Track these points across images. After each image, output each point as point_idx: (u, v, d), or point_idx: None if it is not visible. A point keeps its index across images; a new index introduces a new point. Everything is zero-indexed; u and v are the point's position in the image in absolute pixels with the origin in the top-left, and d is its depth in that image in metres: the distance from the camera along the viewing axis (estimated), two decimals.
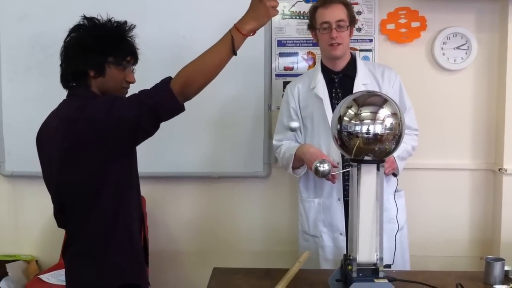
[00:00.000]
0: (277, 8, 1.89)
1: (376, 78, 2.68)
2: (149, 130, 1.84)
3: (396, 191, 2.56)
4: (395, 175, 2.58)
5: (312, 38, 2.77)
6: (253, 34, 1.89)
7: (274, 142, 2.83)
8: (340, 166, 2.57)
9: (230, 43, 1.83)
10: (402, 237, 2.59)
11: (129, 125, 1.80)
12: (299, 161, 2.64)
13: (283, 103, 2.82)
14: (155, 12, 3.20)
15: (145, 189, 2.78)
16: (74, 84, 1.99)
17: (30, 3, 3.24)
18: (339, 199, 2.62)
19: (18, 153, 3.29)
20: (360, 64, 2.70)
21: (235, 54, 1.86)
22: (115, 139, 1.82)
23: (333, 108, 2.58)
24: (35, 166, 2.03)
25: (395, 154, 2.54)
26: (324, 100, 2.63)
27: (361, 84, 2.62)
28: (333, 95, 2.65)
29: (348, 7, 2.62)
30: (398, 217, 2.49)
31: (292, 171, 2.71)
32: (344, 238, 2.60)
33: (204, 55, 1.86)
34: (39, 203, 3.03)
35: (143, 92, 1.85)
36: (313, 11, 2.64)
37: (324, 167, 1.99)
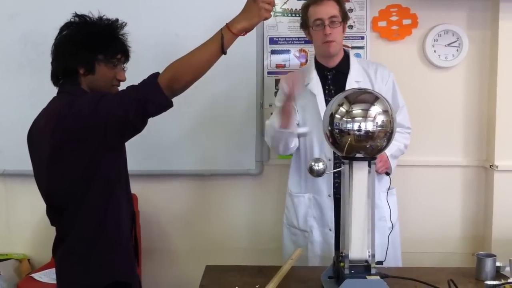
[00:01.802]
0: (272, 6, 1.90)
1: (369, 75, 2.68)
2: (137, 124, 1.85)
3: (388, 189, 2.57)
4: (387, 174, 2.58)
5: (304, 36, 2.77)
6: (244, 34, 1.90)
7: (266, 122, 2.76)
8: (332, 163, 2.58)
9: (220, 42, 1.84)
10: (394, 234, 2.59)
11: (117, 119, 1.81)
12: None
13: (278, 93, 2.78)
14: (147, 9, 3.19)
15: (137, 187, 2.79)
16: (64, 81, 1.99)
17: (21, 0, 3.23)
18: (329, 196, 2.63)
19: (10, 151, 3.27)
20: (353, 61, 2.69)
21: (225, 53, 1.87)
22: (103, 134, 1.82)
23: (326, 105, 2.59)
24: (28, 165, 2.02)
25: (388, 153, 2.56)
26: (318, 96, 2.64)
27: (354, 81, 2.62)
28: (326, 91, 2.65)
29: (340, 3, 2.62)
30: (390, 215, 2.50)
31: (278, 125, 2.56)
32: (333, 234, 2.62)
33: (193, 52, 1.87)
34: (31, 202, 3.02)
35: (131, 87, 1.86)
36: (305, 9, 2.64)
37: (319, 166, 1.98)
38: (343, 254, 1.92)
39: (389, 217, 2.49)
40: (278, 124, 2.55)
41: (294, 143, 2.66)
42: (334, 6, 2.58)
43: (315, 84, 2.66)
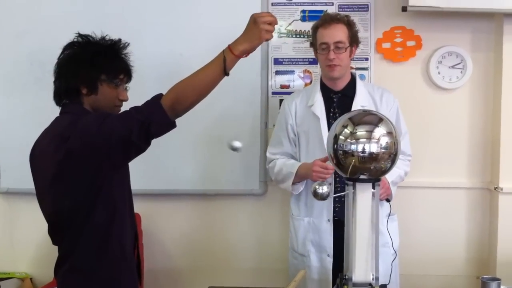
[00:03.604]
0: (274, 26, 1.90)
1: (375, 100, 2.68)
2: (141, 145, 1.84)
3: (389, 215, 2.55)
4: (388, 200, 2.58)
5: (308, 56, 2.78)
6: (246, 56, 1.88)
7: (268, 154, 2.85)
8: (333, 186, 2.58)
9: (222, 63, 1.83)
10: (395, 259, 2.58)
11: (120, 140, 1.80)
12: (299, 178, 2.66)
13: (280, 117, 2.82)
14: (152, 29, 3.22)
15: (140, 206, 2.78)
16: (67, 101, 1.99)
17: (29, 20, 3.26)
18: (328, 220, 2.63)
19: (14, 169, 3.28)
20: (359, 85, 2.70)
21: (227, 75, 1.86)
22: (106, 155, 1.82)
23: (329, 127, 2.58)
24: (31, 183, 2.02)
25: (389, 179, 2.56)
26: (321, 118, 2.64)
27: (359, 105, 2.62)
28: (331, 114, 2.66)
29: (350, 26, 2.61)
30: (392, 242, 2.48)
31: (291, 188, 2.71)
32: (331, 259, 2.61)
33: (196, 73, 1.86)
34: (34, 220, 3.00)
35: (134, 108, 1.85)
36: (315, 30, 2.64)
37: (323, 189, 1.98)
38: (346, 277, 1.91)
39: (391, 244, 2.47)
40: (287, 185, 2.70)
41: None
42: (342, 30, 2.57)
43: (319, 106, 2.66)
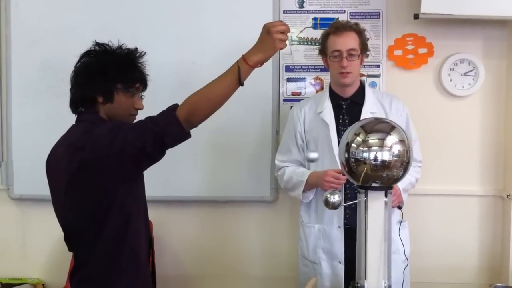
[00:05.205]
0: (287, 35, 1.90)
1: (384, 107, 2.69)
2: (155, 156, 1.85)
3: (401, 221, 2.55)
4: (399, 207, 2.57)
5: (320, 64, 2.78)
6: (260, 66, 1.89)
7: (276, 162, 2.85)
8: (342, 193, 2.58)
9: (237, 74, 1.83)
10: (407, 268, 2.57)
11: (134, 151, 1.81)
12: (310, 186, 2.66)
13: (288, 124, 2.83)
14: (164, 38, 3.23)
15: (152, 213, 2.77)
16: (83, 109, 2.01)
17: (41, 28, 3.28)
18: (339, 227, 2.63)
19: (27, 176, 3.30)
20: (368, 92, 2.71)
21: (242, 85, 1.86)
22: (120, 165, 1.83)
23: (338, 134, 2.60)
24: (44, 190, 2.04)
25: (400, 187, 2.55)
26: (330, 125, 2.64)
27: (368, 112, 2.63)
28: (340, 121, 2.66)
29: (361, 34, 2.62)
30: (404, 250, 2.47)
31: (301, 196, 2.71)
32: (343, 266, 2.60)
33: (211, 85, 1.87)
34: (47, 227, 3.02)
35: (149, 119, 1.86)
36: (325, 37, 2.65)
37: (335, 198, 1.97)
38: (358, 285, 1.90)
39: (403, 251, 2.46)
40: (297, 193, 2.69)
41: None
42: (354, 38, 2.58)
43: (328, 113, 2.67)
